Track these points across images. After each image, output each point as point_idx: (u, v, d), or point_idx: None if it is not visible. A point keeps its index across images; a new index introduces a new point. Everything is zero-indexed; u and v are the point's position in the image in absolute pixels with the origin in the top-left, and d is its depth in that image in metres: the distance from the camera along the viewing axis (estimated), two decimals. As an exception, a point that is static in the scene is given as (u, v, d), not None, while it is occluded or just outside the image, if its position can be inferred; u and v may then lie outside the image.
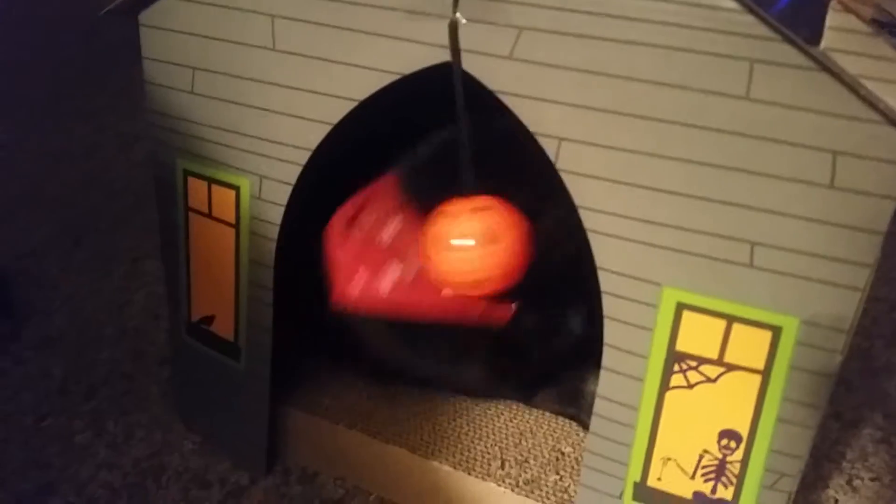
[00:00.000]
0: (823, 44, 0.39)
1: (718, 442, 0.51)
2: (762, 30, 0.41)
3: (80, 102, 1.54)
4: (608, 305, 0.50)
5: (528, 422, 0.69)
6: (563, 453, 0.66)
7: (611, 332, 0.51)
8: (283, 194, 0.58)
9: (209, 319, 0.67)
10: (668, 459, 0.52)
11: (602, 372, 0.52)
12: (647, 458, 0.53)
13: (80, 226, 1.09)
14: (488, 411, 0.70)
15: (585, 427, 0.67)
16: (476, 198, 0.54)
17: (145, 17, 0.60)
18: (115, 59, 1.31)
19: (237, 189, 0.61)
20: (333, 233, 0.60)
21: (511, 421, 0.69)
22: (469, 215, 0.52)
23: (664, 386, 0.50)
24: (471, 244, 0.52)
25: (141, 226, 1.09)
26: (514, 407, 0.71)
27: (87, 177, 1.25)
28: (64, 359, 0.83)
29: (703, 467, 0.52)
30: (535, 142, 0.49)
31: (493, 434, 0.67)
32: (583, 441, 0.67)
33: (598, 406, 0.53)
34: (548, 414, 0.70)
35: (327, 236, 0.60)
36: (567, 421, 0.69)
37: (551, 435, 0.68)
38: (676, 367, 0.50)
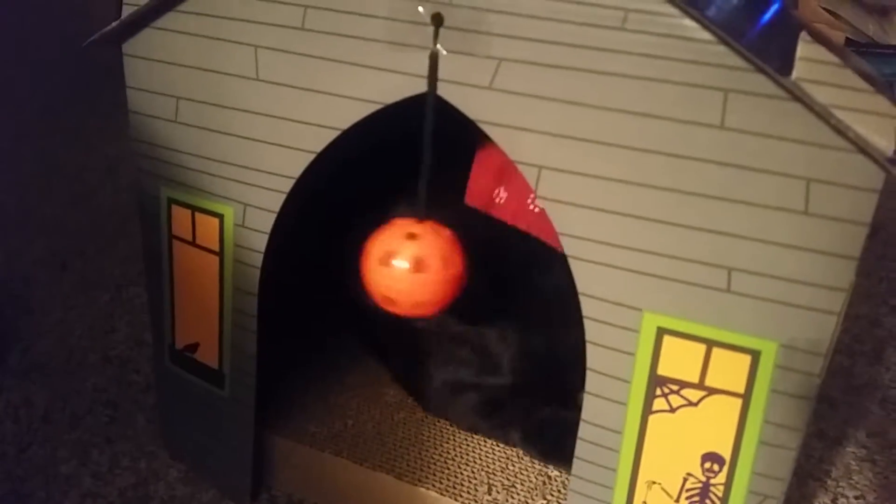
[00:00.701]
0: (794, 74, 0.40)
1: (702, 465, 0.51)
2: (735, 60, 0.42)
3: (68, 124, 1.54)
4: (590, 330, 0.51)
5: (514, 446, 0.69)
6: (549, 477, 0.66)
7: (593, 357, 0.51)
8: (266, 222, 0.59)
9: (193, 347, 0.67)
10: (653, 483, 0.53)
11: (585, 396, 0.52)
12: (632, 481, 0.53)
13: (66, 250, 1.09)
14: (475, 436, 0.70)
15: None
16: (420, 223, 0.53)
17: (129, 46, 0.61)
18: (104, 81, 1.32)
19: (221, 217, 0.61)
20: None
21: (497, 446, 0.69)
22: (407, 239, 0.52)
23: (647, 410, 0.51)
24: (403, 266, 0.52)
25: (126, 252, 1.09)
26: (500, 431, 0.71)
27: (74, 200, 1.24)
28: (48, 387, 0.83)
29: (688, 490, 0.52)
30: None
31: (480, 459, 0.67)
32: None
33: (583, 430, 0.53)
34: (534, 437, 0.70)
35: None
36: (553, 444, 0.69)
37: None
38: (658, 391, 0.50)
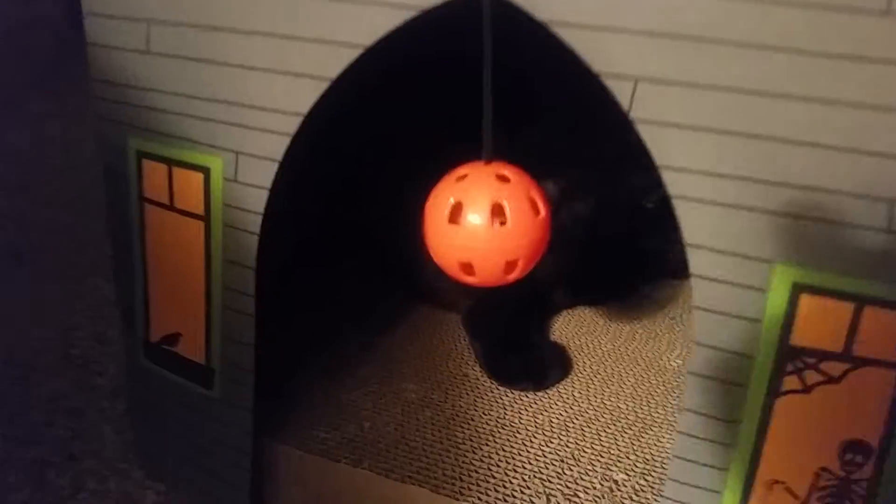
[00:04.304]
0: None
1: (841, 456, 0.40)
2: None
3: (15, 107, 1.40)
4: (700, 293, 0.40)
5: (567, 446, 0.58)
6: (616, 482, 0.54)
7: (704, 327, 0.40)
8: (266, 174, 0.47)
9: (173, 338, 0.55)
10: (775, 483, 0.42)
11: (689, 378, 0.41)
12: (748, 483, 0.42)
13: (19, 241, 0.95)
14: (518, 435, 0.59)
15: None
16: (495, 165, 0.42)
17: (83, -41, 0.48)
18: (52, 61, 1.20)
19: (206, 171, 0.48)
20: None
21: (547, 445, 0.58)
22: (478, 184, 0.41)
23: (773, 391, 0.40)
24: (481, 219, 0.40)
25: (84, 240, 0.96)
26: (549, 429, 0.59)
27: (24, 188, 1.11)
28: (-3, 396, 0.69)
29: (820, 489, 0.41)
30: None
31: (530, 463, 0.56)
32: (636, 465, 0.56)
33: (684, 423, 0.42)
34: (589, 435, 0.59)
35: None
36: (614, 443, 0.58)
37: (598, 460, 0.56)
38: (790, 367, 0.39)
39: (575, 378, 0.66)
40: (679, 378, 0.66)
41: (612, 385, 0.65)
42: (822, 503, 0.42)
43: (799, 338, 0.39)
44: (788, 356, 0.39)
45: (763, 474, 0.42)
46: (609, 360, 0.69)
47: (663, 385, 0.65)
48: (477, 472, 0.55)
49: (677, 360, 0.68)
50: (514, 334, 0.68)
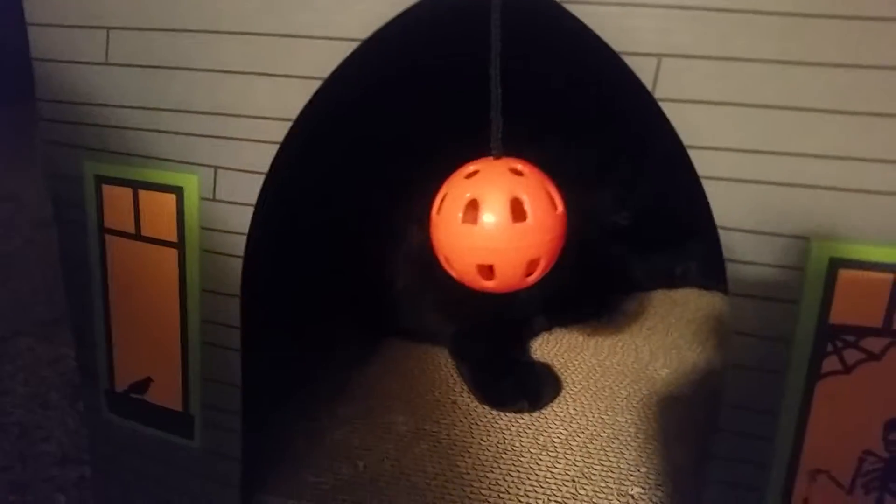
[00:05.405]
0: None
1: (885, 437, 0.39)
2: None
3: None
4: (734, 278, 0.38)
5: (575, 464, 0.54)
6: (633, 497, 0.52)
7: (739, 315, 0.38)
8: (251, 189, 0.42)
9: (142, 385, 0.49)
10: (818, 472, 0.40)
11: (728, 371, 0.39)
12: (790, 475, 0.40)
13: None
14: (522, 458, 0.55)
15: None
16: (507, 160, 0.40)
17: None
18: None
19: (179, 191, 0.44)
20: None
21: (555, 466, 0.54)
22: (496, 181, 0.39)
23: (813, 375, 0.38)
24: (499, 216, 0.37)
25: (4, 296, 0.86)
26: (552, 449, 0.56)
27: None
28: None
29: (864, 475, 0.40)
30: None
31: (541, 486, 0.52)
32: (648, 478, 0.53)
33: (723, 419, 0.40)
34: (595, 451, 0.56)
35: None
36: (622, 457, 0.55)
37: (609, 476, 0.53)
38: (830, 347, 0.38)
39: (566, 395, 0.63)
40: (670, 387, 0.64)
41: (605, 399, 0.63)
42: (867, 489, 0.40)
43: (839, 315, 0.37)
44: (828, 336, 0.38)
45: (806, 464, 0.40)
46: (596, 374, 0.66)
47: (656, 395, 0.63)
48: (487, 500, 0.51)
49: (664, 370, 0.67)
50: (504, 355, 0.65)
